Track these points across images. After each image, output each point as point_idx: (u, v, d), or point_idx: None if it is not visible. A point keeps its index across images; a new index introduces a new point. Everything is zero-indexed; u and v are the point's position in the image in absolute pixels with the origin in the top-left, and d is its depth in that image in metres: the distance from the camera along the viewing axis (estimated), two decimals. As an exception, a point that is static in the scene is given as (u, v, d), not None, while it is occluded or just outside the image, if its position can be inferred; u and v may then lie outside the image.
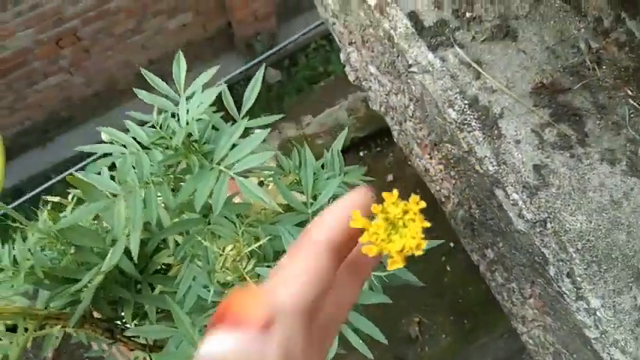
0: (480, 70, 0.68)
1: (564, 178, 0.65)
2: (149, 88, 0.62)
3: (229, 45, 2.73)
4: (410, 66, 0.71)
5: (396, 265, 0.26)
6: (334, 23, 0.87)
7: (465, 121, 0.67)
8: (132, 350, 0.75)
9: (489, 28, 0.70)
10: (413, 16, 0.71)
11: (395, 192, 0.26)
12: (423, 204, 0.26)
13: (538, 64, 0.68)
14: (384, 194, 0.27)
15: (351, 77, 0.88)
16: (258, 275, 0.53)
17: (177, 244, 0.68)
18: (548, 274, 0.65)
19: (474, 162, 0.67)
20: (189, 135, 0.52)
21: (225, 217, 0.57)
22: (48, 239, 0.61)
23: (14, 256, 0.64)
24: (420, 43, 0.69)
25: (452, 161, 0.73)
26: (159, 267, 0.70)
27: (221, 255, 0.54)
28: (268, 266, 0.54)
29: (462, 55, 0.69)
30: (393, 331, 1.24)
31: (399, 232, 0.26)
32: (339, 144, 0.65)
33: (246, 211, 0.59)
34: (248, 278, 0.53)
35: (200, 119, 0.52)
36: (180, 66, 0.56)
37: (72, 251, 0.63)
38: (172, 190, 0.54)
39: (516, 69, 0.68)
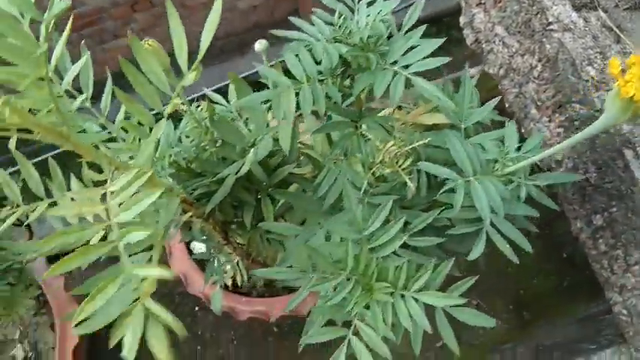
0: (621, 35, 0.70)
1: (696, 145, 0.66)
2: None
3: (292, 33, 2.79)
4: (549, 24, 0.73)
5: None
6: (463, -14, 0.90)
7: (603, 80, 0.69)
8: (233, 252, 0.79)
9: (633, -2, 0.72)
10: (559, -23, 0.73)
11: None
12: None
13: (679, 36, 0.70)
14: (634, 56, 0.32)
15: (469, 40, 0.91)
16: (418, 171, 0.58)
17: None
18: (669, 237, 0.66)
19: (605, 120, 0.69)
20: (368, 37, 0.55)
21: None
22: (200, 129, 0.64)
23: (159, 140, 0.67)
24: (565, 2, 0.72)
25: (576, 123, 0.74)
26: (280, 180, 0.73)
27: (380, 150, 0.57)
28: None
29: (604, 19, 0.71)
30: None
31: None
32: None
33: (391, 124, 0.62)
34: (403, 174, 0.56)
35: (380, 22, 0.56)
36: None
37: (217, 145, 0.66)
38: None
39: (657, 38, 0.70)
